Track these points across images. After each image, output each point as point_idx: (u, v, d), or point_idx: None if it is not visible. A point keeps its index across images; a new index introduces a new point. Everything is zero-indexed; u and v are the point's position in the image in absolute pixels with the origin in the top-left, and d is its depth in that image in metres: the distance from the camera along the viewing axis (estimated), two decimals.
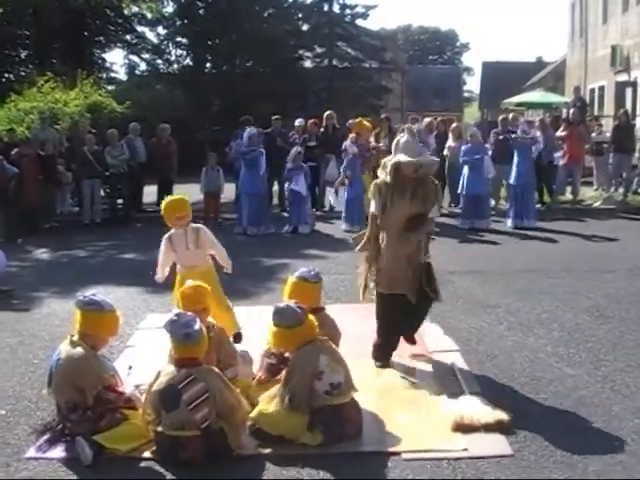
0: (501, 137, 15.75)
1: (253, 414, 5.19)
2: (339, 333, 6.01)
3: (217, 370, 5.10)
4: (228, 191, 16.64)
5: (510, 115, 17.36)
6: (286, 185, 15.09)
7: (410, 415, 5.55)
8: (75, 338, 5.28)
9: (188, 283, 5.95)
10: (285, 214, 15.67)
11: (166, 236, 7.07)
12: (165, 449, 4.88)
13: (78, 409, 5.11)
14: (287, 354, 5.55)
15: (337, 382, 5.14)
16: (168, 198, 7.10)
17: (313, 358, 5.14)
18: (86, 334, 5.28)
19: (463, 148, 14.86)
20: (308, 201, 15.04)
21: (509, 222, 14.64)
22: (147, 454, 4.99)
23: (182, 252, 6.99)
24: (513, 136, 14.84)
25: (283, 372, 5.38)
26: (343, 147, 14.89)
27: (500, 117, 17.57)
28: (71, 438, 5.09)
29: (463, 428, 5.23)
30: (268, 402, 5.25)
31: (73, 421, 5.13)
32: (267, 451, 5.04)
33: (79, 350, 5.20)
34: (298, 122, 16.99)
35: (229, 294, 8.78)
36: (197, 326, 5.02)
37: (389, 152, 16.26)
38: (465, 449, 4.98)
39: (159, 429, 4.88)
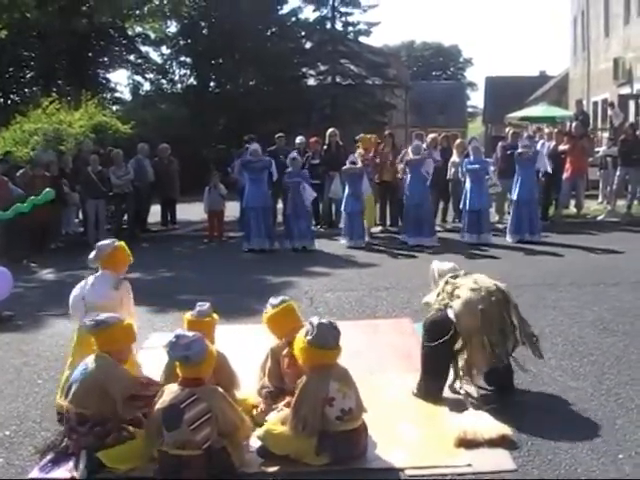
0: (509, 152, 15.74)
1: (259, 433, 5.17)
2: None
3: (220, 389, 5.10)
4: (232, 210, 16.69)
5: (512, 131, 17.44)
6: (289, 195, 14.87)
7: (414, 430, 5.55)
8: (101, 353, 5.34)
9: None
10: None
11: None
12: (169, 468, 4.86)
13: (88, 422, 5.10)
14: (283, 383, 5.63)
15: (348, 408, 5.08)
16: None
17: (324, 384, 5.07)
18: (108, 352, 5.33)
19: (465, 161, 14.92)
20: (310, 216, 15.11)
21: (508, 237, 14.70)
22: (151, 474, 4.97)
23: None
24: (516, 152, 14.85)
25: (287, 399, 5.39)
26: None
27: (511, 131, 17.58)
28: (76, 453, 5.11)
29: (467, 443, 5.21)
30: (276, 424, 5.21)
31: (80, 433, 5.11)
32: (271, 469, 5.03)
33: (109, 360, 5.27)
34: (299, 139, 17.05)
35: (235, 313, 8.84)
36: (198, 348, 4.99)
37: (392, 167, 16.49)
38: (469, 464, 4.97)
39: (162, 448, 4.88)
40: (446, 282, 6.43)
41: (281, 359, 5.73)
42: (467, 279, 6.37)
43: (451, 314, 6.10)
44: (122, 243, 6.64)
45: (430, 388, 6.22)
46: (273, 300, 5.99)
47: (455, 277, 6.46)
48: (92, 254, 6.46)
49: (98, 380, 5.15)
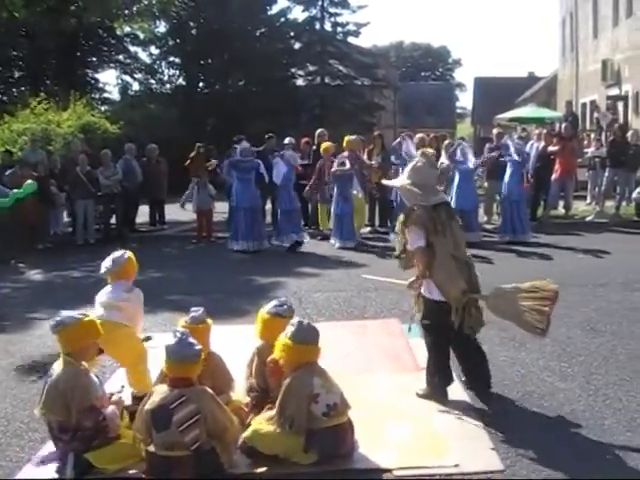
0: (494, 153, 15.76)
1: (247, 433, 5.16)
2: None
3: (209, 390, 5.08)
4: (221, 210, 16.67)
5: (497, 131, 17.42)
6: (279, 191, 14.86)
7: (402, 431, 5.55)
8: (66, 357, 5.28)
9: None
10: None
11: None
12: (157, 469, 4.86)
13: (69, 430, 5.08)
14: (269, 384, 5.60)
15: (333, 403, 5.11)
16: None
17: (307, 381, 5.10)
18: (71, 353, 5.27)
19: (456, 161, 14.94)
20: (300, 213, 15.12)
21: (497, 238, 14.78)
22: (139, 474, 4.96)
23: None
24: (506, 159, 14.85)
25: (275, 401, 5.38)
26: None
27: (496, 131, 17.57)
28: (64, 456, 5.09)
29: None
30: (263, 424, 5.20)
31: (65, 441, 5.10)
32: (259, 470, 5.03)
33: (70, 368, 5.19)
34: (288, 140, 17.03)
35: (224, 313, 8.82)
36: (198, 346, 5.03)
37: (381, 169, 16.43)
38: (456, 465, 4.98)
39: (151, 449, 4.87)
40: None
41: (266, 362, 5.69)
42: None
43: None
44: (131, 254, 6.39)
45: (436, 387, 6.23)
46: (279, 305, 5.87)
47: None
48: (107, 265, 6.22)
49: (61, 391, 5.10)
